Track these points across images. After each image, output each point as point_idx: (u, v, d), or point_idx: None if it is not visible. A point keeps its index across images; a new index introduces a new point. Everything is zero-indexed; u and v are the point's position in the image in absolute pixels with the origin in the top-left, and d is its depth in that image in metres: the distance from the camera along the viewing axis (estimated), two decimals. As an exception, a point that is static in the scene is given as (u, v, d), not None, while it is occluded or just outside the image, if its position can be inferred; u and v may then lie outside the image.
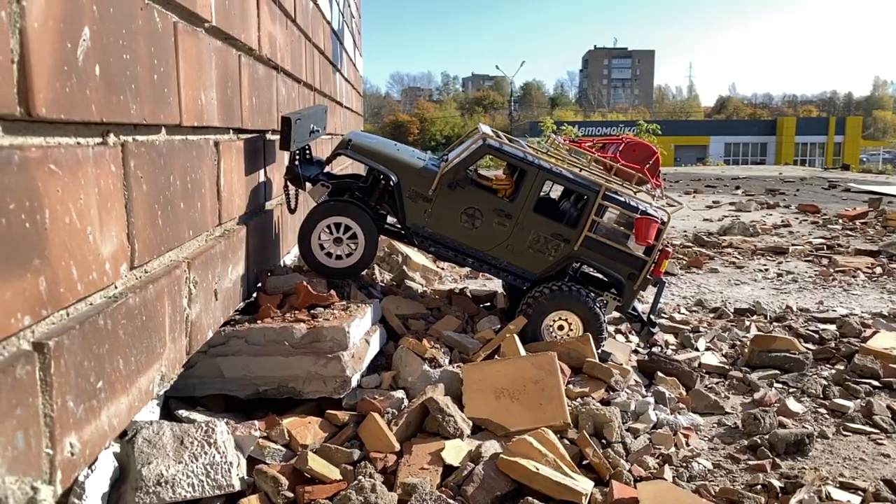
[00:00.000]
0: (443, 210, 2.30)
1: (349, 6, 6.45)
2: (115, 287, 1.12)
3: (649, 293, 2.75)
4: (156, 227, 1.29)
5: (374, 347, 2.06)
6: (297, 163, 2.25)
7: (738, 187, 10.99)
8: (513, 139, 2.56)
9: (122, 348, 1.11)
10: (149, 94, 1.24)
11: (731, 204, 8.58)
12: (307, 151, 2.33)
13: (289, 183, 2.26)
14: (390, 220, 2.53)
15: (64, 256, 0.93)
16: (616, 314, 2.62)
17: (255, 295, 2.13)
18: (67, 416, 0.93)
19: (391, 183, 2.29)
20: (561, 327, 2.36)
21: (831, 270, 4.50)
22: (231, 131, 1.87)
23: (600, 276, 2.57)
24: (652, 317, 2.61)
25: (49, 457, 0.89)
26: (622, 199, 2.43)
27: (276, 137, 2.50)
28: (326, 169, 2.45)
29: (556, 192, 2.72)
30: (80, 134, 1.01)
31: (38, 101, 0.86)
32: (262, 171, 2.22)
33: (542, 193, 2.42)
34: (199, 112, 1.57)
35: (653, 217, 2.42)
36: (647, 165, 2.56)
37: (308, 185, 2.25)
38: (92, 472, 1.22)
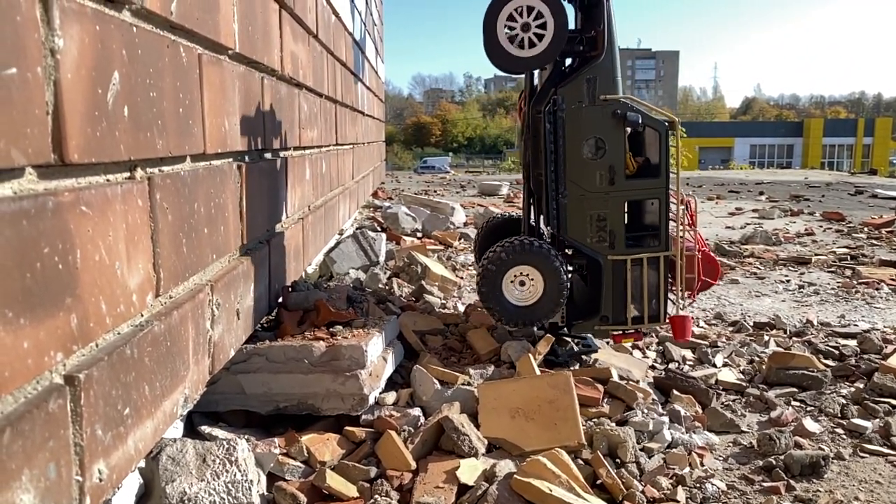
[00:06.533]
0: (587, 115, 2.12)
1: (371, 14, 6.50)
2: (142, 316, 1.17)
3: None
4: (180, 254, 1.33)
5: (392, 364, 2.10)
6: None
7: (761, 193, 10.88)
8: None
9: (148, 375, 1.16)
10: (174, 127, 1.29)
11: (754, 211, 8.49)
12: None
13: None
14: None
15: (93, 293, 0.98)
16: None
17: (276, 311, 2.18)
18: (96, 444, 0.97)
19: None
20: (522, 283, 2.21)
21: (854, 282, 4.45)
22: (254, 153, 1.92)
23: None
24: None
25: (79, 484, 0.93)
26: None
27: (297, 153, 2.56)
28: None
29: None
30: (108, 171, 1.05)
31: (71, 147, 0.91)
32: (283, 188, 2.27)
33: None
34: (223, 138, 1.61)
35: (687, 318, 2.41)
36: None
37: None
38: (118, 489, 1.27)
